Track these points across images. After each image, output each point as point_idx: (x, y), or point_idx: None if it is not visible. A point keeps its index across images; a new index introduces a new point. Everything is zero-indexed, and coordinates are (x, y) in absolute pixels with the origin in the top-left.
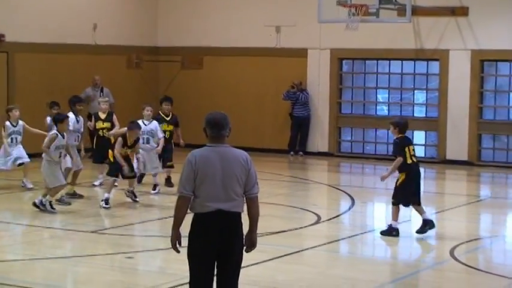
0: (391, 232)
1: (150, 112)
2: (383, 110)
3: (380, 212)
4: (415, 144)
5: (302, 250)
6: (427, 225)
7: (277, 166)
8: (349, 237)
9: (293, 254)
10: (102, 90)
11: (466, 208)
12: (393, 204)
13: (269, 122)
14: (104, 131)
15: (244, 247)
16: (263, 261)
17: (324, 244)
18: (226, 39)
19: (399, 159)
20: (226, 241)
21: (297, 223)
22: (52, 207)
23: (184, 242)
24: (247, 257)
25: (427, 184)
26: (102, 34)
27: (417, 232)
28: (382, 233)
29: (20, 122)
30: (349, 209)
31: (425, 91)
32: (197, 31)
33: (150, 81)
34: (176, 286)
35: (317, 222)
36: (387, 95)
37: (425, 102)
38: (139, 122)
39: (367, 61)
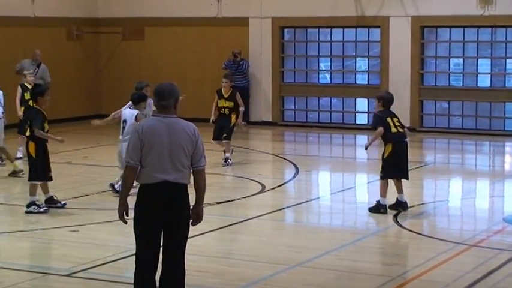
0: (378, 209)
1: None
2: (325, 78)
3: (324, 180)
4: (358, 112)
5: (247, 219)
6: (399, 206)
7: None
8: (293, 205)
9: (238, 223)
10: (38, 66)
11: (409, 174)
12: (381, 178)
13: (212, 92)
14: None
15: (191, 220)
16: (208, 232)
17: (269, 213)
18: (168, 10)
19: (380, 130)
20: (172, 213)
21: (242, 193)
22: None
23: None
24: (192, 227)
25: (370, 151)
26: (41, 6)
27: (390, 208)
28: (370, 209)
29: None
30: (294, 177)
31: (366, 58)
32: (138, 1)
33: (91, 53)
34: (121, 258)
35: (262, 191)
36: (329, 63)
37: (367, 69)
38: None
39: (308, 29)
